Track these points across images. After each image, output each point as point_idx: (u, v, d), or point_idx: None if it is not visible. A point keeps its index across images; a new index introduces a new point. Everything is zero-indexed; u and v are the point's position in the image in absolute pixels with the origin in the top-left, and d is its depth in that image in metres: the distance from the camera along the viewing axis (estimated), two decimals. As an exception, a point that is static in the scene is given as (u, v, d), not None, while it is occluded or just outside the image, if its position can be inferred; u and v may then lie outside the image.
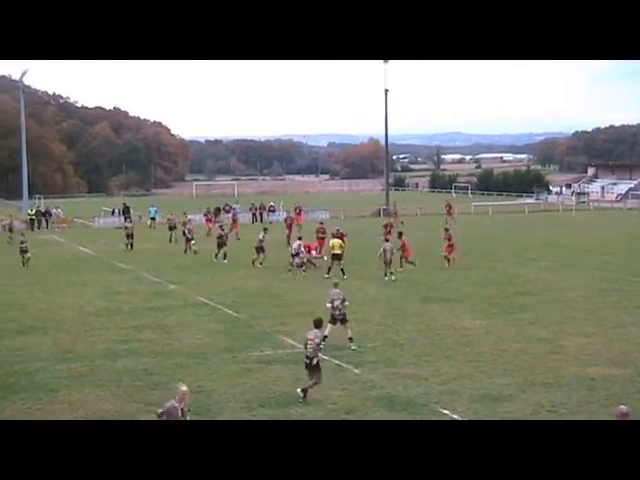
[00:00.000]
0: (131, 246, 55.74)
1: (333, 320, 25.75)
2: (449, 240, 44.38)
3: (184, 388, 14.82)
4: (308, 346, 20.65)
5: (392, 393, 20.91)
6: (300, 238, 44.08)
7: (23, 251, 47.49)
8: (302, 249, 42.93)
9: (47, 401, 20.81)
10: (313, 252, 46.00)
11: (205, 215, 70.78)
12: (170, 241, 58.93)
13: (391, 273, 39.61)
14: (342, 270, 40.01)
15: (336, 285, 26.88)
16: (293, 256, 42.63)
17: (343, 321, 25.89)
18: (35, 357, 25.51)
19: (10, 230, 64.48)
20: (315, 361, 20.44)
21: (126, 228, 58.91)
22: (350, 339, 25.75)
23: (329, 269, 40.82)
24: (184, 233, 53.92)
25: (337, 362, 24.14)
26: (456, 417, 18.97)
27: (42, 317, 31.96)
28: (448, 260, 43.61)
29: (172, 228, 60.45)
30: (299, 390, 20.40)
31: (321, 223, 51.97)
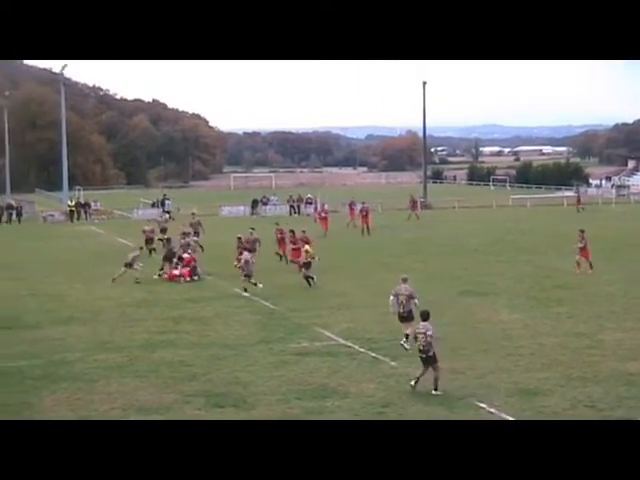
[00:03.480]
0: (151, 251, 45.76)
1: (400, 318, 24.46)
2: (582, 242, 39.41)
3: None
4: (419, 339, 20.26)
5: (428, 387, 20.84)
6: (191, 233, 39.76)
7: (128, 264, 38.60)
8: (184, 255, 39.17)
9: (86, 391, 20.98)
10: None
11: (349, 206, 69.29)
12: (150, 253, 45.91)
13: (254, 284, 34.78)
14: (308, 279, 36.34)
15: (405, 280, 25.05)
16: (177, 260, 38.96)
17: (407, 319, 24.15)
18: (74, 347, 25.73)
19: None
20: (431, 353, 20.10)
21: (144, 232, 48.18)
22: (406, 335, 24.22)
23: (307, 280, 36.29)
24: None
25: (373, 355, 24.13)
26: (493, 411, 18.90)
27: (81, 308, 32.23)
28: (580, 265, 38.85)
29: (149, 241, 47.35)
30: (434, 392, 20.07)
31: (276, 224, 45.65)
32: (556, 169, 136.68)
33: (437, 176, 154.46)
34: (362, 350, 24.60)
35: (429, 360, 20.22)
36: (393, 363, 23.18)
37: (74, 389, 21.14)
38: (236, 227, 59.30)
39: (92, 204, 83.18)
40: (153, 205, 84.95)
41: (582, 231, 40.02)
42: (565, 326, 27.82)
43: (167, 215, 70.50)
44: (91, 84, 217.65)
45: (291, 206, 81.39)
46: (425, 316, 20.72)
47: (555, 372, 22.07)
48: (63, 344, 26.25)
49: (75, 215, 78.13)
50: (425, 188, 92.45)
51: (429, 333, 20.16)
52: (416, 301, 24.38)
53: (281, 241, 42.43)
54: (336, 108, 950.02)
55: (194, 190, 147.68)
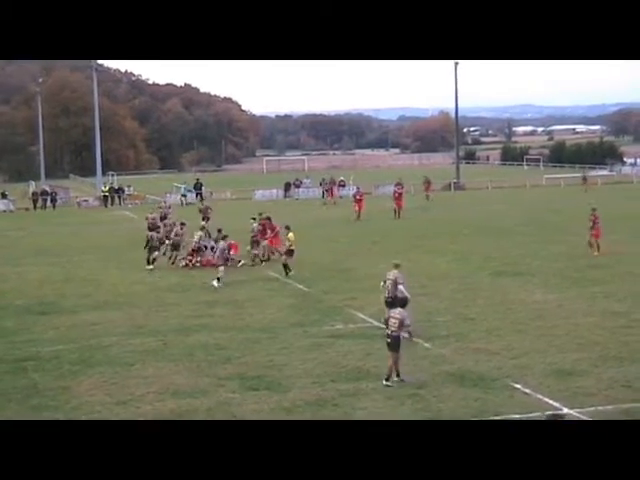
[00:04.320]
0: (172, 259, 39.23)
1: (385, 303, 23.30)
2: (594, 222, 38.49)
3: None
4: (390, 324, 19.88)
5: (463, 368, 20.85)
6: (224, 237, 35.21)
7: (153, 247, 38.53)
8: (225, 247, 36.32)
9: (122, 375, 21.16)
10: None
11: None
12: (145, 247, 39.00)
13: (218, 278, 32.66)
14: (286, 267, 35.05)
15: (396, 266, 24.26)
16: (194, 251, 37.99)
17: (391, 304, 22.04)
18: (110, 332, 25.93)
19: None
20: (397, 340, 19.68)
21: (147, 219, 46.75)
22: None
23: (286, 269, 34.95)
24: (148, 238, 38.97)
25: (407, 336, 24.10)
26: (528, 391, 18.87)
27: (116, 292, 32.46)
28: (592, 245, 38.02)
29: (150, 229, 42.86)
30: (384, 382, 19.59)
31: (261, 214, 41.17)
32: (590, 148, 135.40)
33: (470, 157, 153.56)
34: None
35: (394, 346, 19.71)
36: (427, 345, 23.16)
37: (110, 373, 21.33)
38: (270, 211, 59.31)
39: (126, 189, 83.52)
40: (189, 190, 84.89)
41: (594, 210, 39.17)
42: (600, 306, 27.66)
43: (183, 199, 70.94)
44: (123, 69, 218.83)
45: (324, 189, 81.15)
46: (402, 302, 20.37)
47: (591, 352, 21.97)
48: (99, 328, 26.47)
49: (109, 200, 78.54)
50: (458, 169, 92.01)
51: (398, 317, 19.71)
52: (400, 287, 23.33)
53: (262, 231, 39.46)
54: (368, 90, 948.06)
55: (227, 174, 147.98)
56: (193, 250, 38.39)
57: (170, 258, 38.94)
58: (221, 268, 33.00)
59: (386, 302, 23.21)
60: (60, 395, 19.67)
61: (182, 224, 40.69)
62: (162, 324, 26.89)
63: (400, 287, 23.35)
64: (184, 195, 77.36)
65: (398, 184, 63.47)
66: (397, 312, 20.03)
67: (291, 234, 35.53)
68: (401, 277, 23.84)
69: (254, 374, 20.90)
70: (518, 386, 19.31)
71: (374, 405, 18.27)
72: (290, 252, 35.28)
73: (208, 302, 30.07)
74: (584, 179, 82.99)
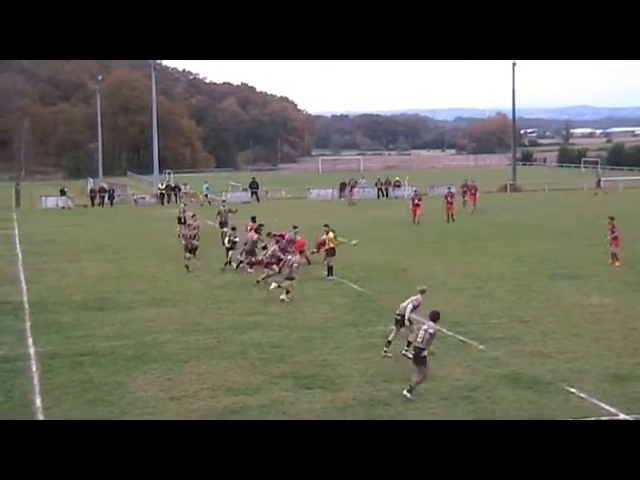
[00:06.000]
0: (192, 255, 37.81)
1: (395, 322, 22.57)
2: (612, 231, 37.12)
3: None
4: (418, 337, 19.25)
5: (517, 370, 20.71)
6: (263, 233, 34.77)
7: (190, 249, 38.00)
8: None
9: (176, 371, 21.32)
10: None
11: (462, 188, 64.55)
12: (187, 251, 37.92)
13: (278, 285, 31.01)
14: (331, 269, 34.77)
15: (421, 292, 22.47)
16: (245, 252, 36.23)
17: (398, 323, 22.30)
18: (165, 329, 26.14)
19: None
20: (423, 354, 19.03)
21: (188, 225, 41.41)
22: (388, 342, 22.48)
23: (330, 269, 34.79)
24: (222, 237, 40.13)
25: (461, 338, 24.04)
26: (583, 396, 18.69)
27: (171, 290, 32.69)
28: (614, 256, 36.64)
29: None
30: (405, 392, 18.94)
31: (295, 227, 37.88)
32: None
33: (527, 158, 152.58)
34: (450, 333, 24.49)
35: (420, 361, 19.05)
36: (481, 347, 23.07)
37: (165, 369, 21.50)
38: (325, 210, 59.58)
39: (182, 187, 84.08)
40: (244, 189, 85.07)
41: (612, 218, 37.83)
42: (658, 311, 27.29)
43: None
44: (181, 68, 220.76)
45: (379, 189, 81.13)
46: (434, 317, 19.34)
47: (648, 357, 21.69)
48: (154, 325, 26.69)
49: (165, 198, 79.13)
50: (514, 170, 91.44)
51: (431, 331, 18.95)
52: (409, 307, 22.06)
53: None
54: (424, 90, 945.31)
55: (282, 173, 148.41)
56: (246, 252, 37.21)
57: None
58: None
59: (396, 321, 22.44)
60: (115, 390, 19.87)
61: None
62: (216, 322, 27.04)
63: (409, 307, 22.12)
64: (206, 195, 76.90)
65: (464, 185, 63.65)
66: (427, 326, 19.26)
67: (331, 234, 35.12)
68: (416, 301, 22.31)
69: (307, 373, 20.95)
70: (573, 390, 19.14)
71: (427, 406, 18.22)
72: (330, 251, 34.78)
73: (262, 300, 30.17)
74: (598, 183, 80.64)
